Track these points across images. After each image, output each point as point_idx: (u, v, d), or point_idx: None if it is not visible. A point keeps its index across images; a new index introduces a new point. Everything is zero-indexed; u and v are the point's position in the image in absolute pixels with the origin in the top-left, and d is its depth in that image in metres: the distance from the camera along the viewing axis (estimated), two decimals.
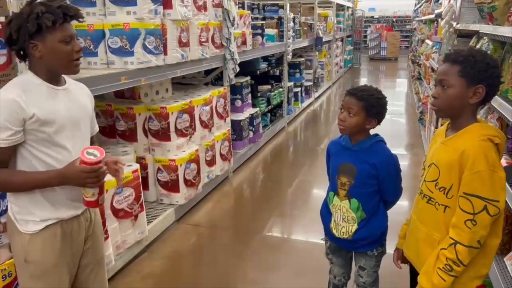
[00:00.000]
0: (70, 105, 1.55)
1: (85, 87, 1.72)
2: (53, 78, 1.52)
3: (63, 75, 1.59)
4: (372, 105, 1.77)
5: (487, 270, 1.48)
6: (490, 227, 1.38)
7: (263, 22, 5.67)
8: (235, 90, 4.81)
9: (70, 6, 1.49)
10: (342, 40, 12.74)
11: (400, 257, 1.79)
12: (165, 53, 3.09)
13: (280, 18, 6.32)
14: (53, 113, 1.48)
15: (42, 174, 1.48)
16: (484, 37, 2.88)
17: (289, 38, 6.41)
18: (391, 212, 1.95)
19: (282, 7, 6.52)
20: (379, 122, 1.83)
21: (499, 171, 1.36)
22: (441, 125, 2.37)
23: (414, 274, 1.70)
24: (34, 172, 1.48)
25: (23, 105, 1.41)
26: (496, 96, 2.17)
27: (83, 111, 1.62)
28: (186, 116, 3.46)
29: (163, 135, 3.34)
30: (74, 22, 1.55)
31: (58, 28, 1.44)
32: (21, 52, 1.51)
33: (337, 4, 11.11)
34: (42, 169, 1.49)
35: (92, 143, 1.70)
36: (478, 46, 2.94)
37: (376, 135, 1.88)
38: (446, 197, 1.45)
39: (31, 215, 1.53)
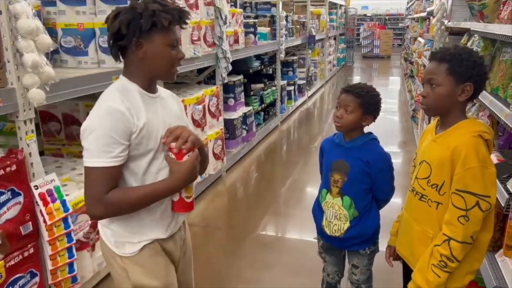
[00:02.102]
0: (166, 114, 1.43)
1: (174, 94, 1.58)
2: (149, 84, 1.39)
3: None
4: (369, 102, 1.79)
5: (479, 265, 1.50)
6: (482, 223, 1.39)
7: (256, 20, 5.65)
8: (227, 89, 4.80)
9: (184, 9, 1.37)
10: (335, 38, 12.76)
11: (393, 254, 1.80)
12: None
13: (272, 17, 6.31)
14: (153, 124, 1.35)
15: (157, 184, 1.35)
16: (475, 35, 2.89)
17: (281, 37, 6.41)
18: (383, 210, 1.95)
19: (274, 5, 6.51)
20: (374, 119, 1.84)
21: (490, 166, 1.38)
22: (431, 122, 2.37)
23: (407, 271, 1.70)
24: (146, 185, 1.35)
25: (129, 117, 1.28)
26: (487, 94, 2.18)
27: (178, 118, 1.48)
28: None
29: None
30: None
31: (170, 30, 1.33)
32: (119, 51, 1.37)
33: (330, 2, 11.12)
34: (137, 184, 1.36)
35: None
36: (469, 44, 2.95)
37: (370, 133, 1.89)
38: (439, 194, 1.46)
39: (126, 236, 1.40)
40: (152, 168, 1.37)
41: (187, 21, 1.38)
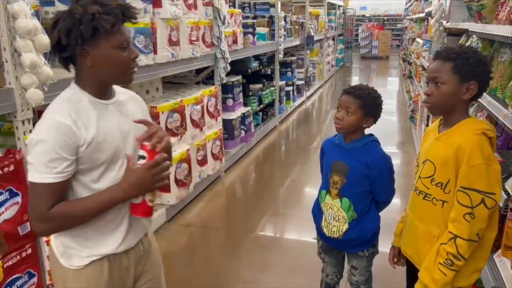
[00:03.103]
0: (122, 121, 1.33)
1: (136, 95, 1.48)
2: (103, 91, 1.30)
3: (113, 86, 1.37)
4: (370, 103, 1.78)
5: (484, 263, 1.50)
6: (487, 220, 1.39)
7: (254, 20, 5.66)
8: (226, 89, 4.79)
9: (128, 5, 1.25)
10: (333, 39, 12.77)
11: (397, 255, 1.80)
12: (155, 52, 3.07)
13: (271, 17, 6.31)
14: (105, 135, 1.27)
15: (102, 194, 1.26)
16: (473, 36, 2.90)
17: (280, 37, 6.41)
18: (383, 211, 1.95)
19: (273, 5, 6.51)
20: (375, 121, 1.84)
21: (494, 164, 1.38)
22: (432, 123, 2.38)
23: (410, 271, 1.70)
24: (91, 195, 1.27)
25: (76, 131, 1.20)
26: (485, 94, 2.18)
27: (136, 125, 1.37)
28: (177, 116, 3.43)
29: None
30: None
31: (115, 31, 1.22)
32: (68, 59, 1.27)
33: (328, 2, 11.13)
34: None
35: None
36: (467, 44, 2.96)
37: (371, 135, 1.89)
38: (444, 192, 1.46)
39: (75, 248, 1.33)
40: (105, 180, 1.30)
41: (135, 15, 1.28)
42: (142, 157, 1.27)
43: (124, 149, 1.33)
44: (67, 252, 1.34)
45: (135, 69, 1.32)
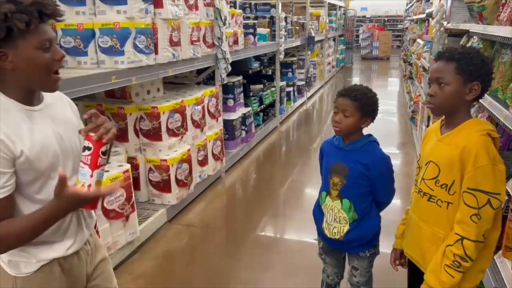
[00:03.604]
0: (55, 125, 1.28)
1: (65, 96, 1.42)
2: (30, 96, 1.23)
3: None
4: (367, 104, 1.78)
5: (489, 263, 1.51)
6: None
7: (255, 21, 5.66)
8: (227, 89, 4.80)
9: (46, 2, 1.16)
10: (334, 40, 12.78)
11: (398, 257, 1.79)
12: (156, 53, 3.07)
13: (272, 18, 6.32)
14: (41, 144, 1.20)
15: (42, 212, 1.18)
16: (474, 36, 2.90)
17: (281, 38, 6.41)
18: (383, 211, 1.95)
19: (274, 6, 6.51)
20: (372, 120, 1.83)
21: (499, 164, 1.39)
22: (433, 123, 2.37)
23: (412, 272, 1.70)
24: (31, 213, 1.19)
25: (10, 145, 1.13)
26: (486, 95, 2.18)
27: (69, 124, 1.33)
28: (177, 116, 3.44)
29: (154, 135, 3.32)
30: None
31: (33, 31, 1.14)
32: None
33: (329, 3, 11.13)
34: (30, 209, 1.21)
35: None
36: (468, 45, 2.96)
37: (370, 135, 1.88)
38: (448, 193, 1.46)
39: (23, 256, 1.26)
40: (48, 190, 1.23)
41: (56, 12, 1.19)
42: (88, 148, 1.20)
43: (62, 154, 1.27)
44: (13, 260, 1.27)
45: (59, 75, 1.24)
